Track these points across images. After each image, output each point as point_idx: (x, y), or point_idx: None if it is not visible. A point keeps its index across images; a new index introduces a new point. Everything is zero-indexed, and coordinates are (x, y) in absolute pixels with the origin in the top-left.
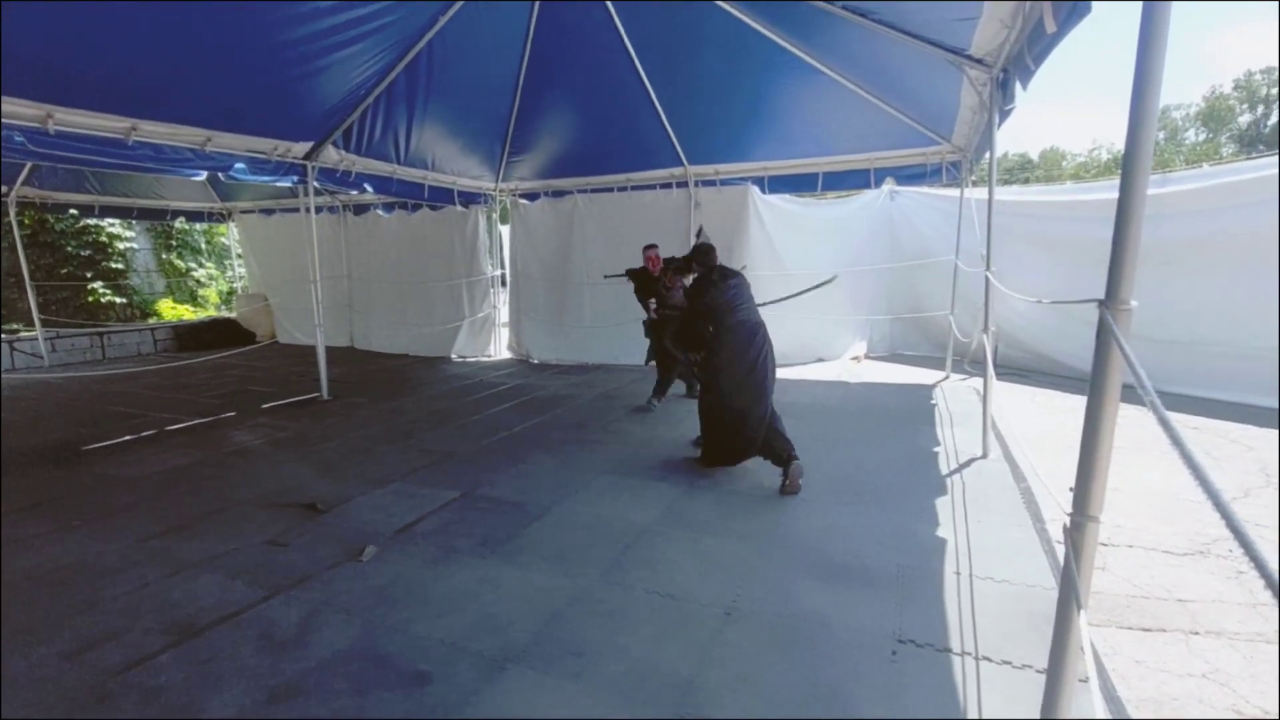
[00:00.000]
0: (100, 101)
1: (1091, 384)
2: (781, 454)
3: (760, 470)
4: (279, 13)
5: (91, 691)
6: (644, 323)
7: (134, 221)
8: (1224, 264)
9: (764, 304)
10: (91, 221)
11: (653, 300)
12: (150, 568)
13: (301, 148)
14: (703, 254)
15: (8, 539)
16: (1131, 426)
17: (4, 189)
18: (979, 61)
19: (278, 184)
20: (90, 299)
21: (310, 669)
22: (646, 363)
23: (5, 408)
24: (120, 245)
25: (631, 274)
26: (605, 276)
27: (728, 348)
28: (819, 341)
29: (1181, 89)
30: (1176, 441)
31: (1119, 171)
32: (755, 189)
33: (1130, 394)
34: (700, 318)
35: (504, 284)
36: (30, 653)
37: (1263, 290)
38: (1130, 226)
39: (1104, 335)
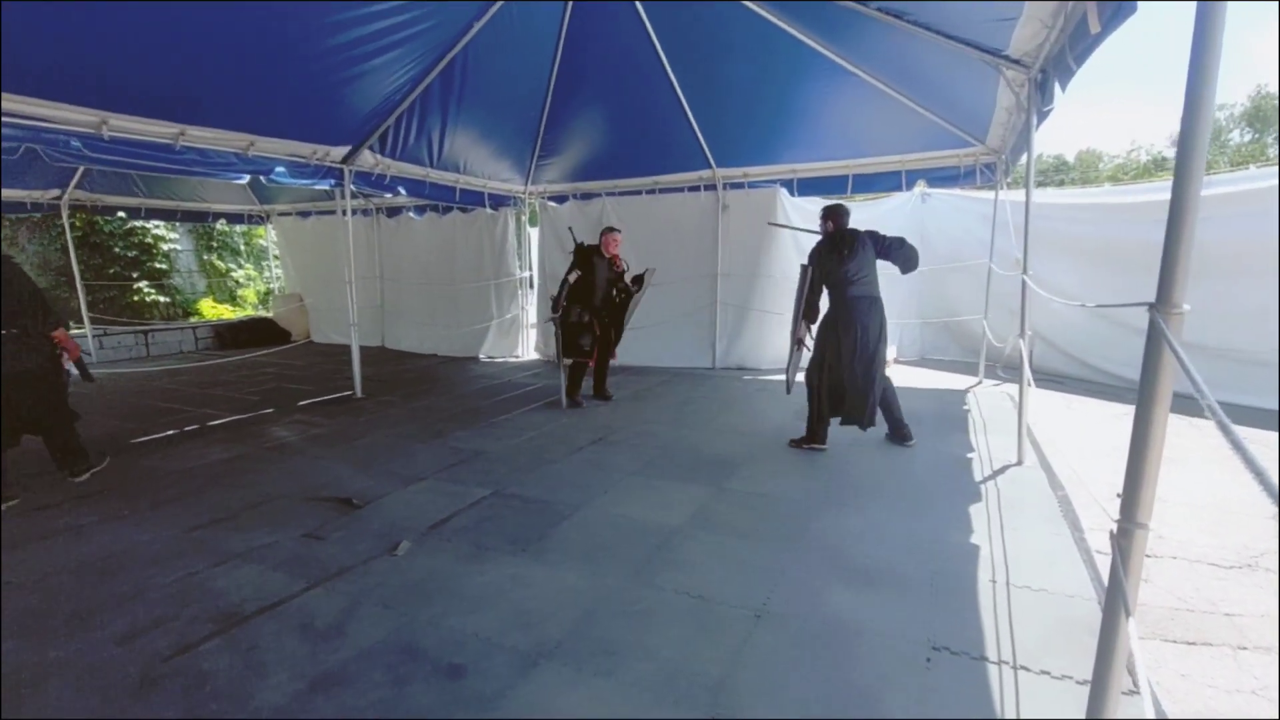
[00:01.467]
0: (150, 108)
1: (1141, 388)
2: (896, 418)
3: (790, 475)
4: (319, 20)
5: (142, 676)
6: (554, 316)
7: (177, 223)
8: (1260, 270)
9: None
10: (138, 223)
11: (573, 276)
12: (196, 557)
13: (339, 152)
14: (835, 213)
15: (61, 528)
16: (1175, 436)
17: (58, 192)
18: (1017, 62)
19: (316, 187)
20: (136, 298)
21: (350, 659)
22: (559, 362)
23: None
24: (164, 246)
25: (580, 250)
26: (769, 224)
27: (841, 323)
28: None
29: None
30: (1237, 446)
31: (1159, 174)
32: (784, 191)
33: (1175, 403)
34: (818, 286)
35: (532, 286)
36: (84, 637)
37: None
38: (1183, 228)
39: (1155, 339)
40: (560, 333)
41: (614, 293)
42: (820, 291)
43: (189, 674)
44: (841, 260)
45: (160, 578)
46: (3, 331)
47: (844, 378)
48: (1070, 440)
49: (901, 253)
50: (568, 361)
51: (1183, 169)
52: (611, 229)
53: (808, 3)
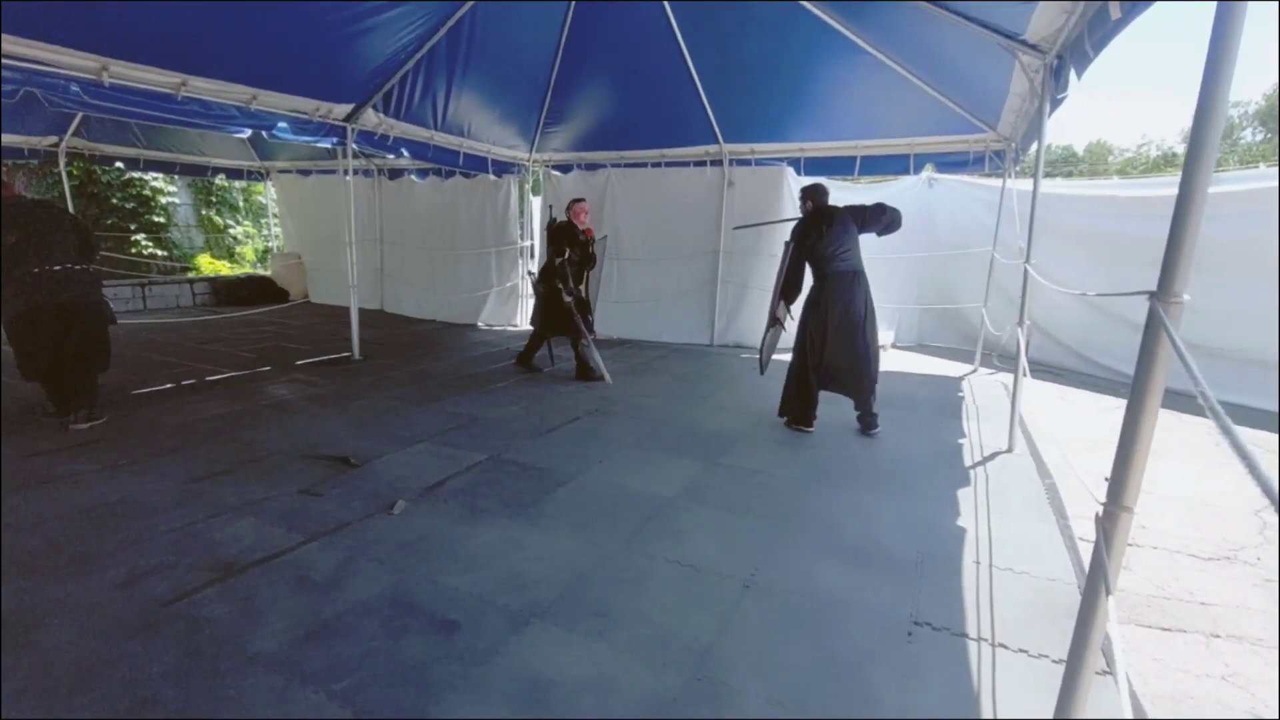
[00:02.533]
0: (153, 56)
1: (1135, 375)
2: (869, 410)
3: (783, 452)
4: None
5: (140, 619)
6: (535, 285)
7: (176, 176)
8: (1263, 268)
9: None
10: (136, 175)
11: (567, 255)
12: (194, 508)
13: (342, 109)
14: (814, 192)
15: (61, 475)
16: (1164, 430)
17: (55, 139)
18: (1033, 47)
19: (317, 145)
20: (133, 250)
21: (345, 611)
22: (533, 322)
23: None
24: (163, 200)
25: (556, 230)
26: (735, 228)
27: (824, 299)
28: None
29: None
30: (1227, 430)
31: (1168, 169)
32: (790, 170)
33: (1163, 398)
34: (800, 263)
35: (533, 255)
36: (84, 581)
37: None
38: (1189, 218)
39: (1153, 327)
40: (551, 309)
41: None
42: (802, 268)
43: (187, 619)
44: (822, 236)
45: (159, 526)
46: (89, 267)
47: (833, 354)
48: (1061, 430)
49: (883, 218)
50: (587, 340)
51: (1192, 161)
52: (579, 199)
53: None
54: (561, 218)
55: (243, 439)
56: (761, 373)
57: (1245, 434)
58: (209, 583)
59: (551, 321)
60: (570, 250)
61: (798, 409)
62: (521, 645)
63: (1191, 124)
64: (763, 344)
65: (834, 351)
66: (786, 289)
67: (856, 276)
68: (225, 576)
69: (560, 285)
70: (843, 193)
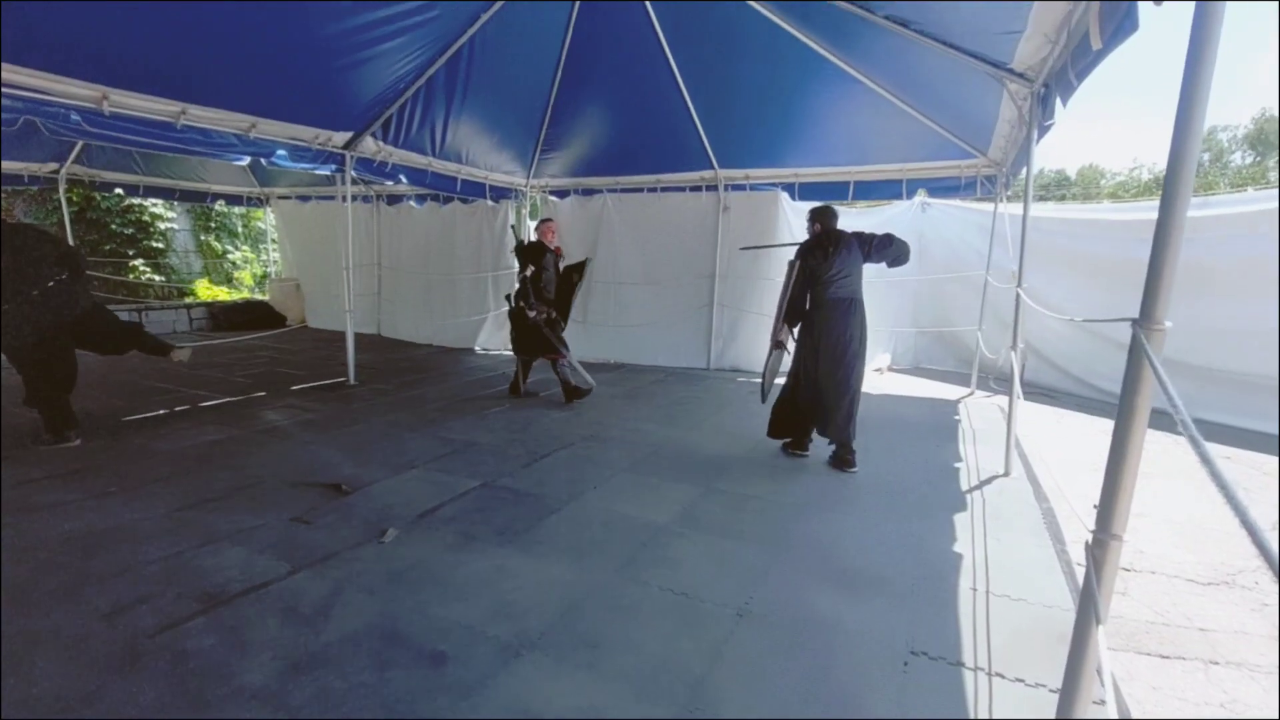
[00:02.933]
0: (153, 85)
1: (1120, 402)
2: (845, 441)
3: (779, 477)
4: (325, 5)
5: (126, 651)
6: (511, 312)
7: (175, 202)
8: (1255, 290)
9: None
10: (135, 201)
11: (529, 271)
12: (183, 537)
13: (341, 137)
14: (822, 214)
15: (48, 503)
16: (1158, 453)
17: (55, 166)
18: (1020, 75)
19: (316, 171)
20: (131, 276)
21: (332, 643)
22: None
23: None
24: (161, 225)
25: (523, 249)
26: (742, 249)
27: (819, 323)
28: None
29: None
30: (1207, 460)
31: (1159, 192)
32: (785, 195)
33: (1158, 421)
34: (802, 284)
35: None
36: (69, 610)
37: None
38: (1168, 246)
39: (1136, 354)
40: (520, 329)
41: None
42: (805, 289)
43: (173, 651)
44: (825, 258)
45: (147, 555)
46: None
47: (813, 384)
48: (1057, 454)
49: (890, 250)
50: (566, 361)
51: (1171, 187)
52: (546, 219)
53: (816, 4)
54: (532, 238)
55: (234, 466)
56: (763, 399)
57: (1245, 456)
58: (196, 613)
59: (523, 342)
60: (535, 268)
61: (794, 433)
62: (511, 677)
63: (1167, 158)
64: (765, 368)
65: (815, 381)
66: (789, 311)
67: (853, 305)
68: (212, 607)
69: (524, 303)
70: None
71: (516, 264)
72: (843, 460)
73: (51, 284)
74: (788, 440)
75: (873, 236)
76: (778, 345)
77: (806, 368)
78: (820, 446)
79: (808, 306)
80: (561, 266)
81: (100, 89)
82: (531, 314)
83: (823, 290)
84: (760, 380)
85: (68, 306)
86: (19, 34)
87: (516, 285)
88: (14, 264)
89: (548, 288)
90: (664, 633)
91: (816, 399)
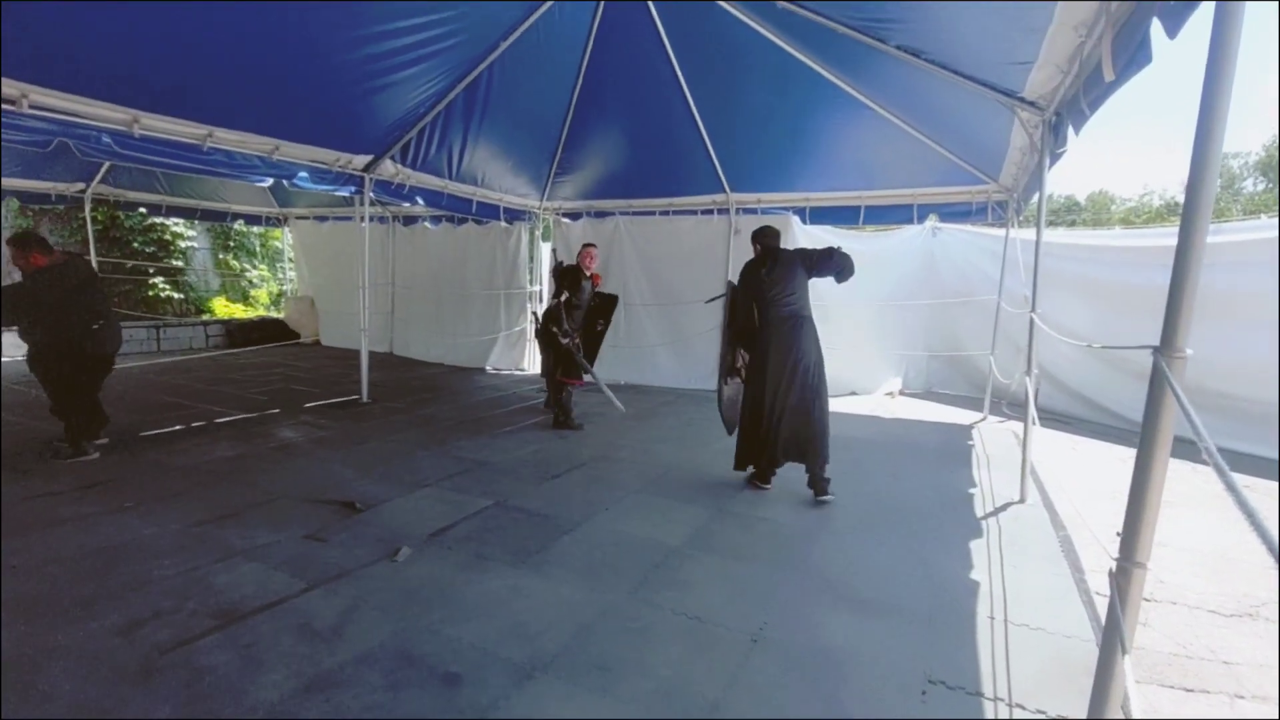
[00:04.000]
0: (181, 109)
1: (1143, 431)
2: (819, 475)
3: (791, 500)
4: (352, 31)
5: (140, 667)
6: (538, 330)
7: (197, 221)
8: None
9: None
10: (158, 220)
11: (564, 296)
12: (198, 553)
13: (361, 160)
14: (761, 234)
15: (66, 517)
16: (1178, 481)
17: (83, 186)
18: (1031, 104)
19: (336, 193)
20: (151, 293)
21: (346, 662)
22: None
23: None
24: (182, 244)
25: (562, 273)
26: (706, 301)
27: (765, 343)
28: (854, 375)
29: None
30: (1232, 489)
31: (1171, 218)
32: (796, 219)
33: (1177, 448)
34: (743, 305)
35: (541, 300)
36: (85, 625)
37: None
38: (1188, 273)
39: (1158, 382)
40: (555, 353)
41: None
42: (747, 310)
43: (187, 667)
44: (767, 276)
45: (162, 571)
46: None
47: (776, 411)
48: (1074, 481)
49: (831, 263)
50: (586, 379)
51: (1189, 214)
52: (588, 244)
53: (828, 34)
54: (571, 261)
55: (249, 482)
56: (730, 432)
57: (1264, 486)
58: (210, 630)
59: (562, 363)
60: (570, 294)
61: (755, 463)
62: (524, 699)
63: (1186, 184)
64: (720, 398)
65: (776, 408)
66: (735, 333)
67: (800, 322)
68: (227, 623)
69: (555, 328)
70: (848, 241)
71: (553, 286)
72: (815, 488)
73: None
74: (750, 472)
75: (813, 252)
76: (732, 372)
77: (758, 392)
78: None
79: (758, 331)
80: (593, 292)
81: (131, 112)
82: (564, 340)
83: (767, 310)
84: (720, 415)
85: (115, 340)
86: (53, 58)
87: (544, 306)
88: (86, 294)
89: (577, 314)
90: (677, 656)
91: (781, 426)
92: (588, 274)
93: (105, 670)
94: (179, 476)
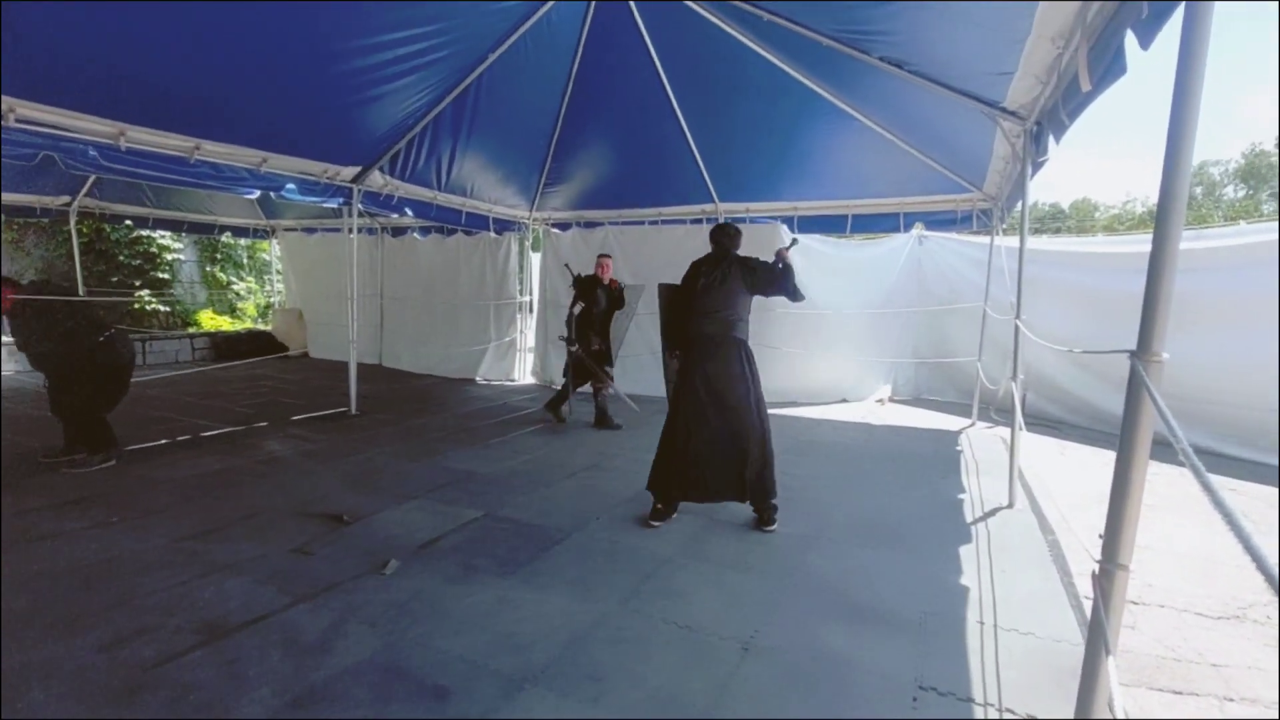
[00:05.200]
0: (168, 121)
1: (1122, 434)
2: (761, 507)
3: (783, 509)
4: (341, 44)
5: (124, 684)
6: (568, 338)
7: (183, 234)
8: (1249, 321)
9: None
10: (144, 233)
11: (577, 307)
12: (183, 567)
13: (349, 171)
14: (713, 233)
15: (51, 532)
16: (1163, 485)
17: (68, 199)
18: (1013, 114)
19: (324, 205)
20: (136, 306)
21: (333, 676)
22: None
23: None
24: (169, 256)
25: (579, 283)
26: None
27: (687, 358)
28: (844, 382)
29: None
30: (1209, 489)
31: (1153, 225)
32: (784, 228)
33: (1162, 453)
34: (672, 308)
35: (531, 310)
36: (68, 642)
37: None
38: (1163, 278)
39: (1135, 386)
40: (576, 363)
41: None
42: (676, 312)
43: (172, 684)
44: (701, 282)
45: (147, 586)
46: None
47: (697, 447)
48: (1061, 485)
49: (783, 284)
50: (606, 392)
51: (1163, 220)
52: (604, 255)
53: (813, 46)
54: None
55: (235, 496)
56: None
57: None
58: (195, 645)
59: (578, 374)
60: (587, 303)
61: (664, 488)
62: (514, 712)
63: (1159, 191)
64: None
65: (693, 445)
66: (665, 331)
67: (727, 344)
68: (212, 639)
69: (561, 337)
70: (836, 250)
71: (572, 298)
72: (761, 519)
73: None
74: (657, 503)
75: (760, 268)
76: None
77: (675, 418)
78: (816, 477)
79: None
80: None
81: (118, 125)
82: (573, 349)
83: (691, 321)
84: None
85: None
86: (40, 71)
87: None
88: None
89: (598, 318)
90: (669, 666)
91: (704, 464)
92: (605, 281)
93: (88, 687)
94: (164, 490)
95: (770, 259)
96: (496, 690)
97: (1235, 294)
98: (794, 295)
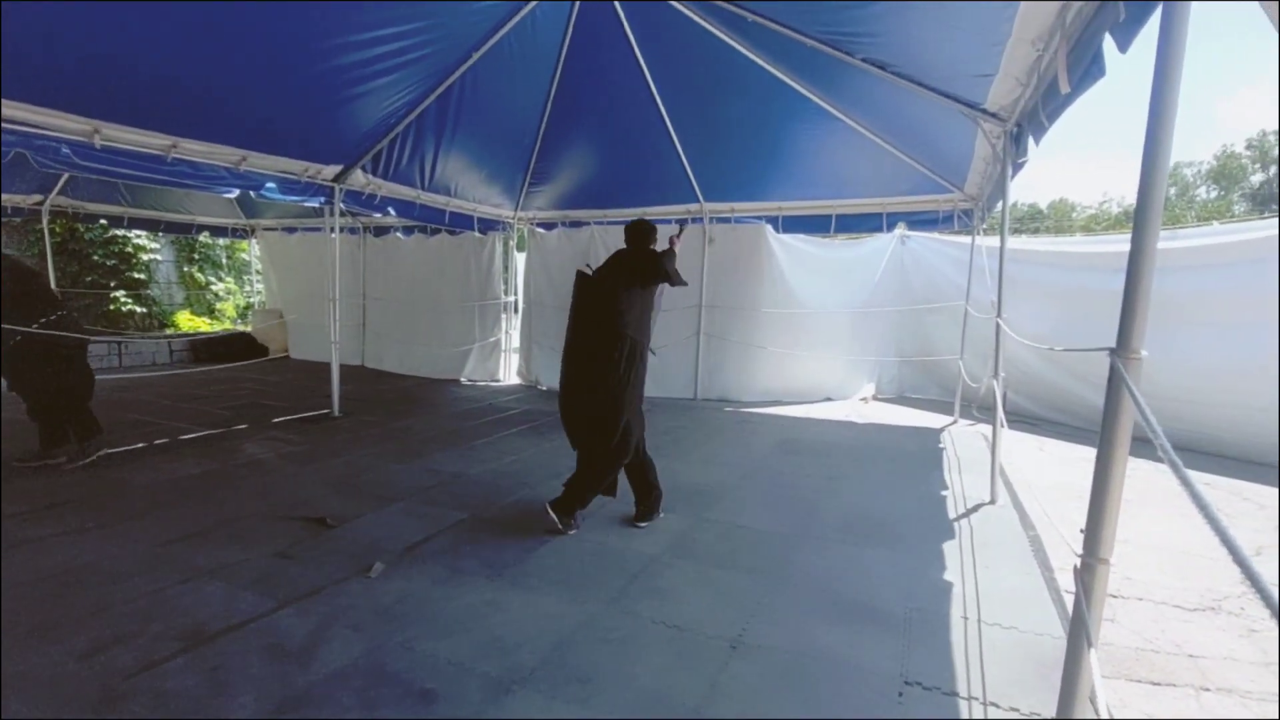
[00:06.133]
0: (145, 119)
1: (1102, 430)
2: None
3: (770, 507)
4: (322, 42)
5: (103, 693)
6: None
7: (160, 234)
8: (1228, 320)
9: None
10: (119, 232)
11: None
12: (163, 573)
13: (331, 170)
14: (629, 228)
15: (25, 539)
16: (1141, 481)
17: (40, 197)
18: (994, 115)
19: (305, 204)
20: (112, 307)
21: (318, 681)
22: None
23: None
24: (144, 257)
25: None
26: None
27: (563, 372)
28: (828, 381)
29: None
30: (1187, 484)
31: (1129, 225)
32: (769, 228)
33: (1141, 449)
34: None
35: (516, 310)
36: (44, 651)
37: (1262, 347)
38: (1141, 277)
39: (1115, 383)
40: None
41: None
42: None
43: (151, 692)
44: (590, 278)
45: (125, 593)
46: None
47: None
48: (1042, 481)
49: (664, 268)
50: None
51: (1141, 220)
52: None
53: (796, 47)
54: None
55: (216, 500)
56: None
57: (1223, 483)
58: (176, 652)
59: None
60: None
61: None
62: (502, 714)
63: (1138, 189)
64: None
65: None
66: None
67: (601, 353)
68: (193, 645)
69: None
70: (820, 249)
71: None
72: (639, 512)
73: (55, 315)
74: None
75: (644, 268)
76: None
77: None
78: (805, 474)
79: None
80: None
81: (92, 123)
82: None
83: (568, 332)
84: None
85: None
86: (11, 67)
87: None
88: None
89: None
90: (657, 666)
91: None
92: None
93: (65, 697)
94: (143, 495)
95: (755, 255)
96: (484, 693)
97: (1212, 293)
98: (674, 281)
